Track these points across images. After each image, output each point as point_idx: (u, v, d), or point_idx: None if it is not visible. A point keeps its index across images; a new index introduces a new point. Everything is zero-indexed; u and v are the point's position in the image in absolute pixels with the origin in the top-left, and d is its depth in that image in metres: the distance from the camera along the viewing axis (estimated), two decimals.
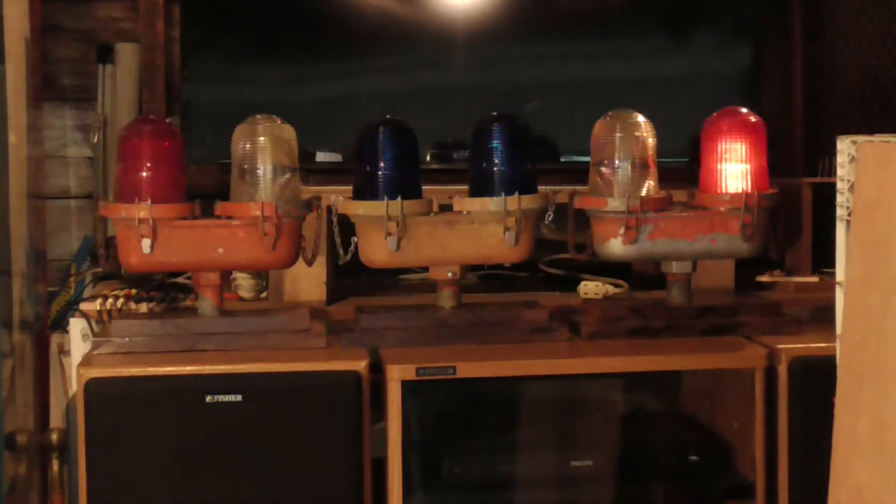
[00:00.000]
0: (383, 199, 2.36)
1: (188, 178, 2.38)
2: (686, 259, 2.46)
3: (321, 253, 2.47)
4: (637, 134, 2.41)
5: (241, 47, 3.09)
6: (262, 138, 2.34)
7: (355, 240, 2.42)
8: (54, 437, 2.76)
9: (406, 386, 2.24)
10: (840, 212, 1.82)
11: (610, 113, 2.44)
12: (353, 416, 2.22)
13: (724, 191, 2.44)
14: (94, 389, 2.18)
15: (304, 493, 2.22)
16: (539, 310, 2.47)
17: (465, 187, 2.44)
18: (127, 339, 2.32)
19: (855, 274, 1.76)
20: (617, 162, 2.41)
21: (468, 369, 2.26)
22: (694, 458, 2.35)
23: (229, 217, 2.34)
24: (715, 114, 2.48)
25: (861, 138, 1.78)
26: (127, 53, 3.16)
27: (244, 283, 2.70)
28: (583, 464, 2.34)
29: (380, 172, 2.38)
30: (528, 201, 2.38)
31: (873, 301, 1.72)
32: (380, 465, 2.25)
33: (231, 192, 2.36)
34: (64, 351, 2.88)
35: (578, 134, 2.55)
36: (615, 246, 2.43)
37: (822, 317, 2.31)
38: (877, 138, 1.76)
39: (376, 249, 2.39)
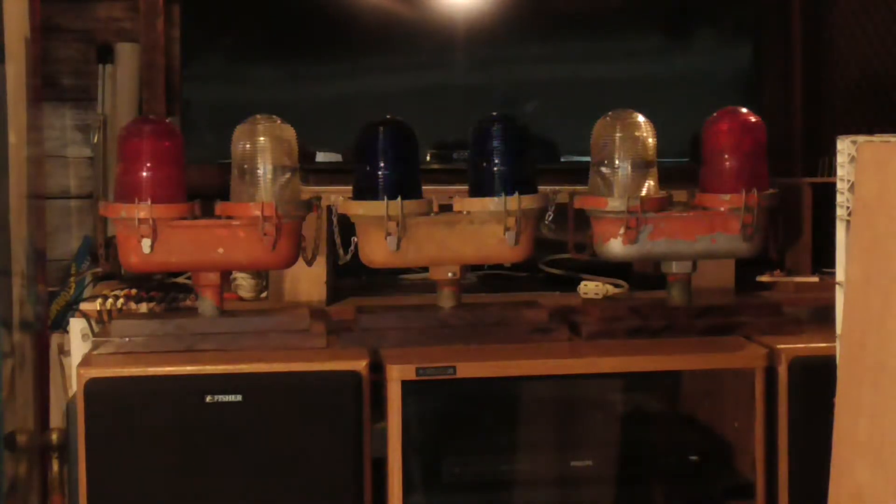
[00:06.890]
0: (383, 199, 2.36)
1: (188, 178, 2.38)
2: (686, 259, 2.46)
3: (321, 253, 2.47)
4: (637, 134, 2.41)
5: (241, 47, 3.09)
6: (262, 138, 2.34)
7: (355, 240, 2.42)
8: (54, 437, 2.76)
9: (406, 386, 2.23)
10: (840, 212, 1.82)
11: (610, 113, 2.44)
12: (353, 416, 2.22)
13: (724, 191, 2.44)
14: (94, 389, 2.18)
15: (304, 493, 2.21)
16: (539, 310, 2.46)
17: (465, 187, 2.44)
18: (127, 339, 2.32)
19: (855, 274, 1.76)
20: (617, 162, 2.41)
21: (468, 369, 2.26)
22: (694, 458, 2.35)
23: (229, 217, 2.34)
24: (715, 114, 2.48)
25: (861, 138, 1.78)
26: (127, 53, 3.16)
27: (244, 283, 2.70)
28: (583, 464, 2.34)
29: (380, 172, 2.38)
30: (528, 201, 2.38)
31: (873, 301, 1.72)
32: (380, 465, 2.25)
33: (231, 192, 2.36)
34: (64, 351, 2.88)
35: (578, 134, 2.55)
36: (615, 246, 2.42)
37: (822, 317, 2.31)
38: (877, 138, 1.76)
39: (376, 249, 2.39)
